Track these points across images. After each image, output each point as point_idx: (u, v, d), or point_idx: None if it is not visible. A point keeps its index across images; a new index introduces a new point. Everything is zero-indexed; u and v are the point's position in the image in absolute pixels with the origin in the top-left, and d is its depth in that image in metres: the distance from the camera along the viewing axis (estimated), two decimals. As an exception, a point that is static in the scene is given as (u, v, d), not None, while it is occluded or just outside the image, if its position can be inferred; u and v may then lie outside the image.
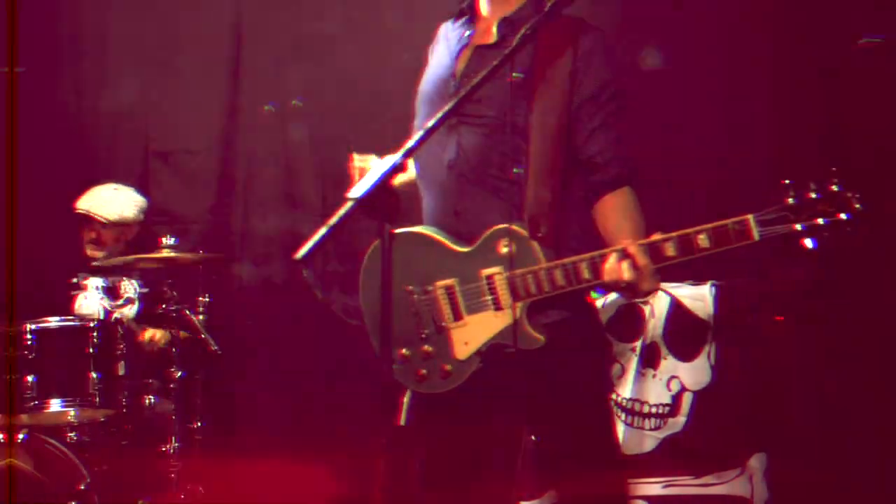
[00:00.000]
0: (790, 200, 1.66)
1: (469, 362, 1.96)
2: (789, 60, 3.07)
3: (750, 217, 1.66)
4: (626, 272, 1.73)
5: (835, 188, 1.65)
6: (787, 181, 1.68)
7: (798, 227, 1.65)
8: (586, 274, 1.82)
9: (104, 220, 3.26)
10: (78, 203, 3.29)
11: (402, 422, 2.04)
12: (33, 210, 3.52)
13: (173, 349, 3.09)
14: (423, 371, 2.01)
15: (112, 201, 3.33)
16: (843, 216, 1.62)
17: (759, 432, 2.59)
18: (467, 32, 2.04)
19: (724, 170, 2.99)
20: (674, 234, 1.73)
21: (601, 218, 1.95)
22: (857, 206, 1.64)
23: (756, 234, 1.68)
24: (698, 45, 3.19)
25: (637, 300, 2.70)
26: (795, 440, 2.58)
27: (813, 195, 1.66)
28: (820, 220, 1.64)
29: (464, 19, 2.06)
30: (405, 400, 2.04)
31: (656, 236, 1.76)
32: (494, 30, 1.95)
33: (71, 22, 3.99)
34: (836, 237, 1.65)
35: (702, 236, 1.71)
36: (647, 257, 1.73)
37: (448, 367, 1.98)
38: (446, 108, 1.69)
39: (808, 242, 1.66)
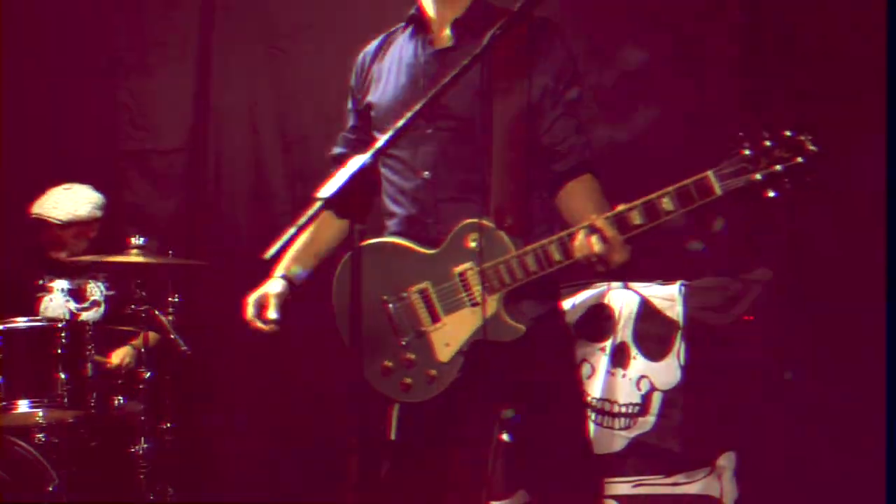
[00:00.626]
0: (746, 152, 1.67)
1: (452, 364, 1.97)
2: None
3: (709, 173, 1.67)
4: (595, 245, 1.73)
5: (787, 133, 1.64)
6: (741, 133, 1.69)
7: (758, 176, 1.65)
8: (557, 255, 1.82)
9: (58, 222, 3.26)
10: (32, 208, 3.29)
11: (393, 436, 2.04)
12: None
13: (142, 354, 3.04)
14: (408, 380, 2.01)
15: (64, 201, 3.33)
16: (799, 159, 1.62)
17: (729, 432, 2.57)
18: (423, 40, 2.03)
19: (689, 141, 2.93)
20: (637, 201, 1.72)
21: (564, 205, 1.96)
22: (812, 147, 1.63)
23: (718, 189, 1.68)
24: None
25: (606, 287, 2.73)
26: (765, 439, 2.56)
27: (767, 143, 1.66)
28: (777, 167, 1.63)
29: (410, 29, 2.07)
30: (394, 413, 2.05)
31: (620, 206, 1.76)
32: (448, 32, 1.97)
33: (42, 18, 3.97)
34: (796, 184, 1.64)
35: (665, 199, 1.71)
36: (614, 228, 1.74)
37: (433, 372, 1.99)
38: (415, 108, 1.66)
39: (771, 193, 1.66)
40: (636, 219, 1.74)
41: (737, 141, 1.70)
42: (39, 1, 3.87)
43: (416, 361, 1.99)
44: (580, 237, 1.77)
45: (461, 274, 1.94)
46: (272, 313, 2.08)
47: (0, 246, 3.53)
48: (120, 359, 3.22)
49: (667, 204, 1.72)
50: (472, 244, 1.94)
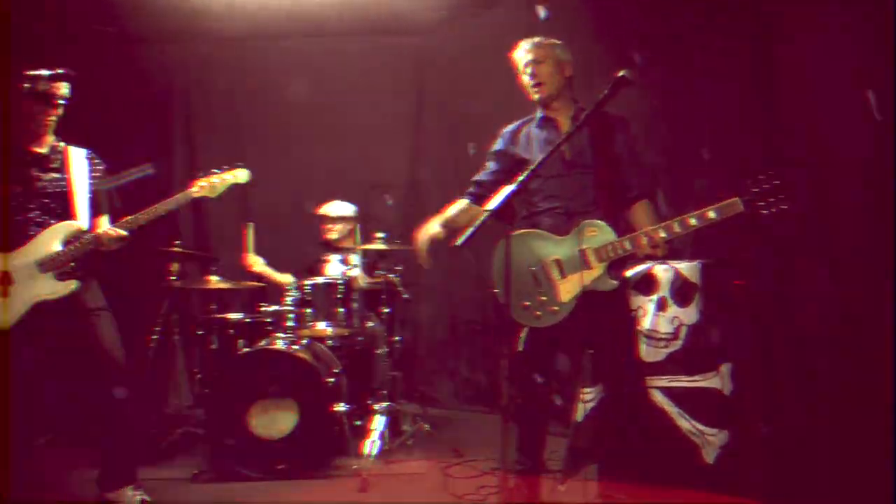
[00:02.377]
0: (755, 190, 2.44)
1: (570, 303, 2.70)
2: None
3: (737, 199, 2.46)
4: (644, 242, 2.59)
5: (777, 182, 2.42)
6: (749, 181, 2.44)
7: (760, 205, 2.43)
8: (627, 245, 2.64)
9: (331, 215, 4.59)
10: (318, 210, 4.65)
11: (521, 348, 2.78)
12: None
13: (382, 296, 4.21)
14: (539, 313, 2.73)
15: (337, 206, 4.64)
16: (782, 196, 2.40)
17: (727, 349, 3.09)
18: (552, 126, 2.86)
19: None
20: (677, 218, 2.54)
21: (631, 217, 2.80)
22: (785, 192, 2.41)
23: (741, 207, 2.43)
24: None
25: (654, 264, 3.25)
26: (750, 355, 3.13)
27: (766, 186, 2.43)
28: (771, 199, 2.42)
29: (538, 122, 2.91)
30: (522, 335, 2.80)
31: (669, 222, 2.56)
32: (568, 123, 2.86)
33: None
34: (777, 209, 2.39)
35: (692, 219, 2.52)
36: (658, 233, 2.56)
37: (556, 308, 2.71)
38: (539, 160, 2.53)
39: (764, 212, 2.42)
40: (676, 227, 2.58)
41: (747, 184, 2.46)
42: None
43: (546, 301, 2.71)
44: (642, 237, 2.62)
45: (583, 250, 2.70)
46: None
47: (305, 239, 4.84)
48: (357, 282, 4.23)
49: (712, 214, 2.49)
50: (593, 234, 2.72)
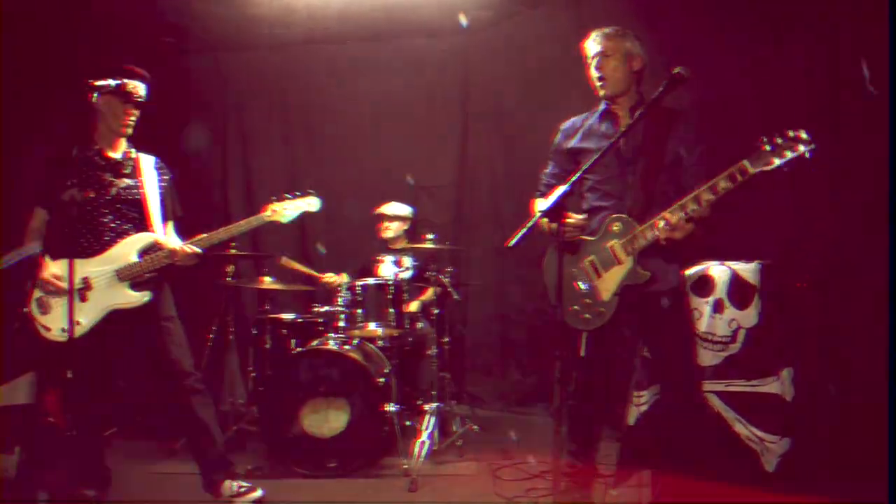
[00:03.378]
0: (766, 147, 2.33)
1: (611, 302, 2.65)
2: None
3: (745, 161, 2.35)
4: (665, 226, 2.49)
5: (790, 133, 2.30)
6: (763, 136, 2.32)
7: (776, 160, 2.30)
8: (648, 234, 2.58)
9: (389, 214, 4.67)
10: (378, 210, 4.73)
11: (582, 354, 2.71)
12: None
13: (427, 305, 4.27)
14: (587, 316, 2.68)
15: (394, 207, 4.71)
16: (800, 146, 2.29)
17: (788, 355, 3.03)
18: (613, 121, 2.77)
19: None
20: (689, 195, 2.42)
21: None
22: (804, 135, 2.28)
23: (751, 170, 2.33)
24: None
25: (711, 264, 3.17)
26: (812, 359, 3.06)
27: (779, 140, 2.32)
28: (788, 152, 2.30)
29: (599, 115, 2.82)
30: (582, 339, 2.72)
31: (683, 200, 2.44)
32: (627, 117, 2.76)
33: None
34: (799, 161, 2.27)
35: (722, 181, 2.37)
36: (675, 215, 2.46)
37: (601, 309, 2.67)
38: (595, 156, 2.48)
39: (785, 168, 2.31)
40: (690, 206, 2.46)
41: (760, 140, 2.34)
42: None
43: (590, 303, 2.68)
44: (659, 222, 2.53)
45: (610, 247, 2.67)
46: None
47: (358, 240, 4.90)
48: (414, 307, 4.37)
49: (723, 183, 2.36)
50: (615, 228, 2.67)
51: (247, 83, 5.62)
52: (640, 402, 3.27)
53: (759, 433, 3.03)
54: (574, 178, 2.37)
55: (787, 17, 3.52)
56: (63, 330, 2.88)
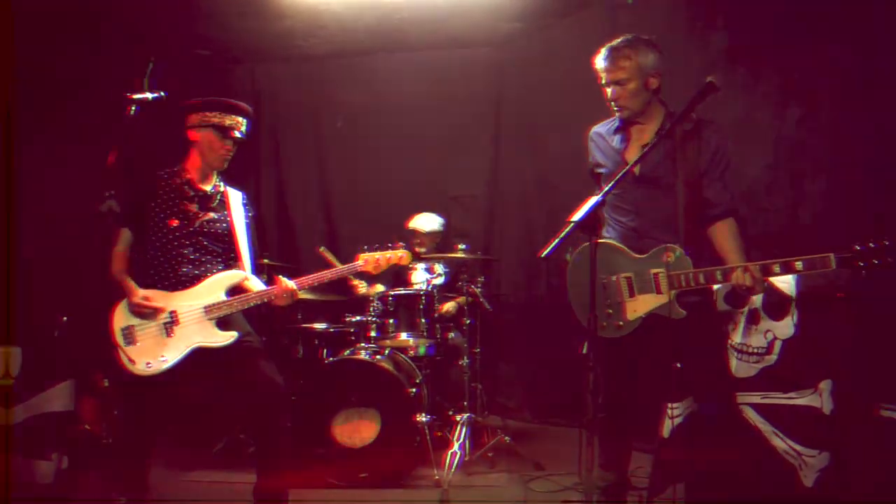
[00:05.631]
0: (857, 247, 2.34)
1: (633, 322, 2.66)
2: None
3: (831, 255, 2.34)
4: (747, 280, 2.43)
5: (886, 242, 2.31)
6: (857, 246, 2.32)
7: (860, 263, 2.32)
8: (719, 278, 2.52)
9: (423, 231, 4.69)
10: (409, 223, 4.74)
11: (584, 351, 2.55)
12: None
13: (464, 309, 4.21)
14: (604, 323, 2.70)
15: (427, 221, 4.73)
16: (890, 259, 2.30)
17: (827, 366, 2.95)
18: (616, 137, 2.76)
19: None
20: (779, 259, 2.37)
21: (713, 235, 2.65)
22: (891, 246, 2.30)
23: (833, 266, 2.33)
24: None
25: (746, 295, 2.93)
26: (850, 373, 2.95)
27: (872, 245, 2.32)
28: (875, 261, 2.32)
29: (617, 129, 2.80)
30: (586, 343, 2.54)
31: (769, 262, 2.40)
32: (652, 132, 2.70)
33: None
34: (882, 269, 2.29)
35: (798, 263, 2.36)
36: (760, 272, 2.42)
37: (621, 324, 2.68)
38: (623, 171, 2.46)
39: (863, 272, 2.33)
40: (776, 269, 2.42)
41: (853, 246, 2.35)
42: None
43: (611, 315, 2.69)
44: (738, 272, 2.45)
45: (655, 274, 2.64)
46: None
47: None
48: (446, 309, 4.41)
49: (798, 266, 2.37)
50: (668, 259, 2.63)
51: (279, 95, 5.69)
52: (675, 415, 3.22)
53: (798, 447, 2.98)
54: (607, 189, 2.37)
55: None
56: (148, 364, 2.81)
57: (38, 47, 4.28)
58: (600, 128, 2.92)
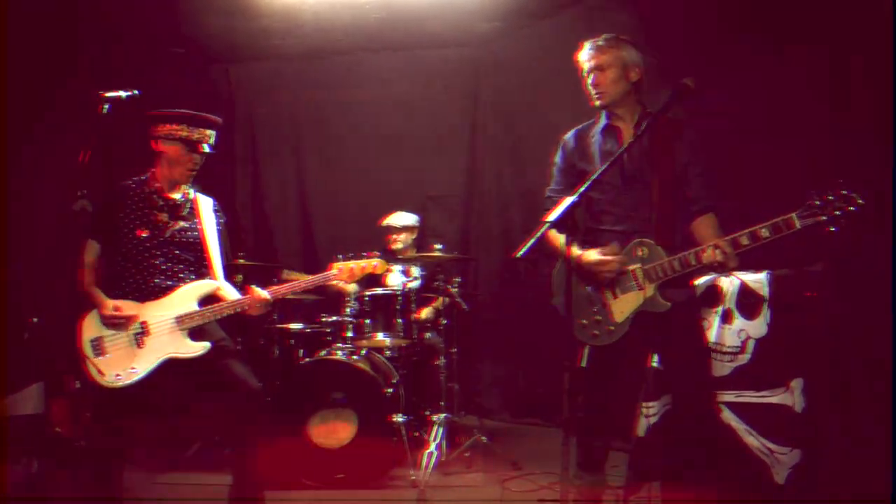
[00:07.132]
0: (816, 202, 2.28)
1: (623, 324, 2.64)
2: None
3: (793, 214, 2.30)
4: (718, 256, 2.41)
5: (843, 192, 2.25)
6: (812, 191, 2.27)
7: (823, 218, 2.25)
8: (692, 261, 2.50)
9: (398, 225, 4.66)
10: (382, 221, 4.74)
11: (583, 364, 2.72)
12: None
13: (440, 312, 4.20)
14: (596, 332, 2.67)
15: (401, 217, 4.71)
16: (851, 208, 2.24)
17: (798, 365, 2.99)
18: (607, 142, 2.73)
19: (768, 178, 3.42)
20: (745, 230, 2.37)
21: (695, 230, 2.65)
22: (860, 200, 2.24)
23: (798, 225, 2.28)
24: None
25: (722, 275, 3.10)
26: (822, 370, 2.98)
27: (830, 197, 2.26)
28: (837, 212, 2.24)
29: (601, 128, 2.78)
30: (584, 351, 2.73)
31: (736, 234, 2.40)
32: (630, 132, 2.70)
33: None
34: (849, 223, 2.22)
35: (763, 230, 2.33)
36: (730, 246, 2.40)
37: (611, 328, 2.65)
38: (600, 169, 2.43)
39: (831, 228, 2.25)
40: (744, 240, 2.39)
41: (810, 195, 2.30)
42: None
43: (601, 321, 2.65)
44: (708, 250, 2.44)
45: (632, 270, 2.62)
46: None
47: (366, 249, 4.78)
48: (425, 314, 4.41)
49: (764, 232, 2.34)
50: (640, 253, 2.63)
51: (256, 94, 5.65)
52: (650, 414, 3.25)
53: (770, 445, 3.01)
54: (582, 189, 2.32)
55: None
56: (117, 376, 2.76)
57: (15, 46, 4.21)
58: (573, 133, 2.89)
